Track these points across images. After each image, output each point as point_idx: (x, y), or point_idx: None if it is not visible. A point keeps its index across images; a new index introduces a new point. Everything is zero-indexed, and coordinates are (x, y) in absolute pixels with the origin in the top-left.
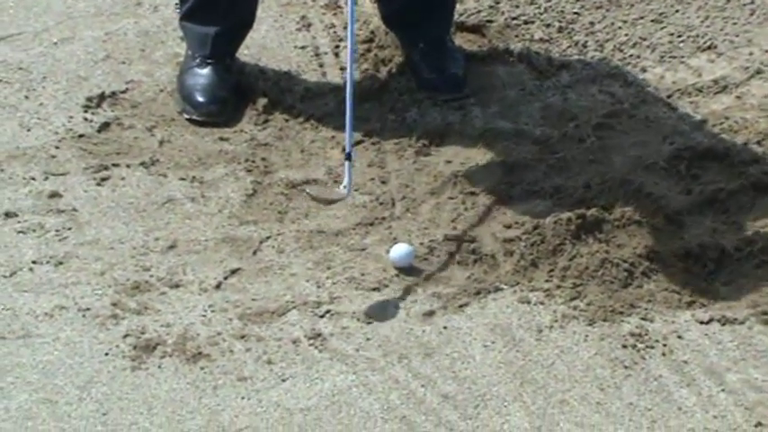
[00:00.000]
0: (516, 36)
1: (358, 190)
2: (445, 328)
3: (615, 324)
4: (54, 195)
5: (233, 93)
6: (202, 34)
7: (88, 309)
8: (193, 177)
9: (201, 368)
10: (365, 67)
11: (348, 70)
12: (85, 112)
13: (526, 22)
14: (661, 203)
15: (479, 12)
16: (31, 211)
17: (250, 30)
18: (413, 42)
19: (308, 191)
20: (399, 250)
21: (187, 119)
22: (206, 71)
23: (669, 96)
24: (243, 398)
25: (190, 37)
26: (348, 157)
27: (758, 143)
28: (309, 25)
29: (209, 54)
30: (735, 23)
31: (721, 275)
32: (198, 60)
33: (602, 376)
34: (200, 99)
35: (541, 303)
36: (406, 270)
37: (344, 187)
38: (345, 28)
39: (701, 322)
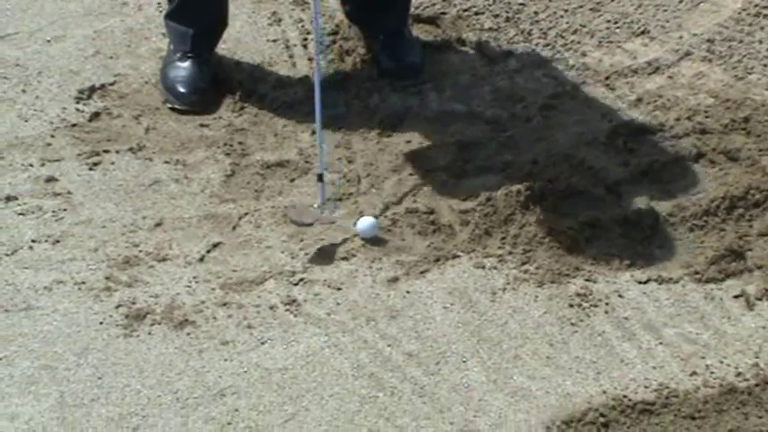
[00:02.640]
0: (468, 26)
1: (327, 169)
2: (408, 292)
3: (562, 285)
4: (50, 180)
5: (211, 83)
6: (183, 32)
7: (83, 282)
8: (177, 161)
9: (187, 334)
10: (331, 58)
11: (316, 106)
12: (77, 103)
13: (477, 13)
14: (601, 175)
15: (434, 4)
16: (30, 194)
17: (225, 28)
18: (373, 35)
19: (288, 214)
20: (365, 223)
21: (170, 108)
22: (186, 64)
23: (607, 78)
24: (226, 360)
25: (172, 34)
26: (320, 178)
27: (688, 118)
28: (280, 20)
29: (189, 49)
30: (665, 10)
31: (657, 239)
32: (179, 55)
33: (551, 333)
34: (182, 90)
35: (495, 268)
36: (372, 241)
37: (318, 206)
38: (312, 22)
39: (640, 282)
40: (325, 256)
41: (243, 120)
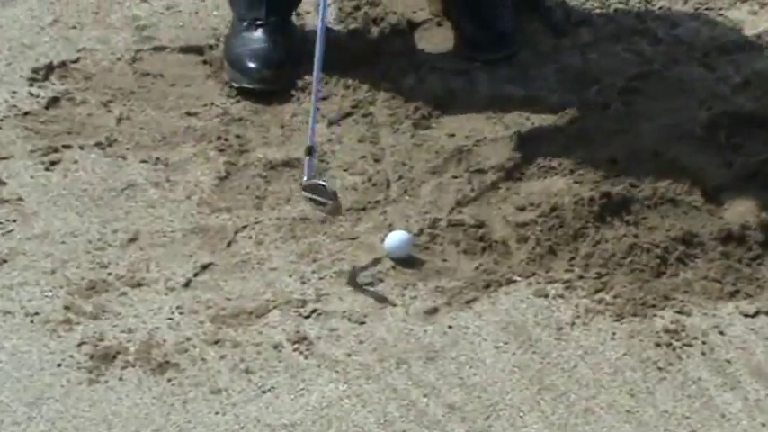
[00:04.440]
0: None
1: (347, 170)
2: (450, 327)
3: (647, 319)
4: None
5: (289, 56)
6: None
7: (37, 313)
8: (157, 159)
9: (169, 380)
10: (354, 27)
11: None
12: (31, 85)
13: None
14: (698, 178)
15: None
16: None
17: None
18: None
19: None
20: (396, 239)
21: (236, 89)
22: (258, 34)
23: (705, 55)
24: (217, 413)
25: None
26: (309, 151)
27: None
28: None
29: (262, 15)
30: None
31: None
32: (246, 24)
33: (633, 380)
34: (252, 65)
35: (561, 297)
36: (405, 261)
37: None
38: None
39: (746, 315)
40: (344, 280)
41: (240, 107)
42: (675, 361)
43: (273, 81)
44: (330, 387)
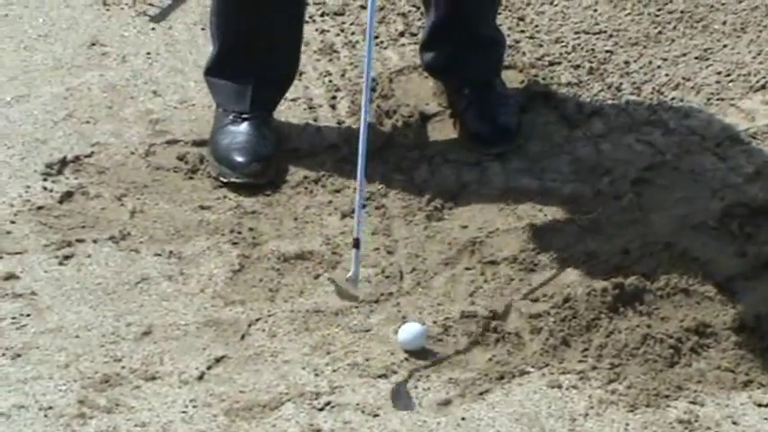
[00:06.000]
0: (542, 79)
1: (361, 262)
2: (464, 419)
3: (660, 409)
4: (10, 277)
5: (276, 151)
6: (237, 89)
7: (51, 407)
8: (170, 252)
9: None
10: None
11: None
12: (45, 180)
13: (552, 64)
14: (711, 269)
15: None
16: None
17: (293, 81)
18: (457, 88)
19: (336, 283)
20: (409, 330)
21: (224, 183)
22: (243, 128)
23: (718, 145)
24: None
25: (221, 92)
26: (356, 243)
27: None
28: (301, 74)
29: (247, 109)
30: None
31: None
32: (232, 117)
33: None
34: (240, 159)
35: (574, 388)
36: (418, 353)
37: (349, 280)
38: (343, 76)
39: (760, 405)
40: (358, 372)
41: (254, 200)
42: None
43: (262, 174)
44: None
